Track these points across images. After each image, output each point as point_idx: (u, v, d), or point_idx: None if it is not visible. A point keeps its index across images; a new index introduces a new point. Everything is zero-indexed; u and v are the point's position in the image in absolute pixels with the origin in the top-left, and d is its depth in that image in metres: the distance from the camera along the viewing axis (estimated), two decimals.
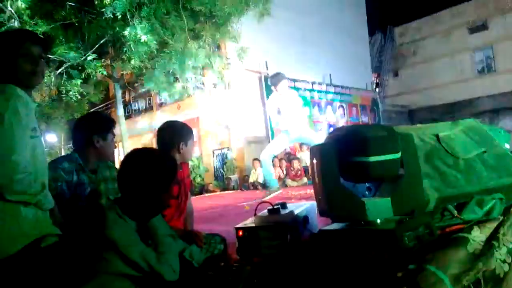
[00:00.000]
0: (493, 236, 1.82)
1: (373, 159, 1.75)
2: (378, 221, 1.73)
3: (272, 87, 5.33)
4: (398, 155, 1.83)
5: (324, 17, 14.26)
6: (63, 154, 14.24)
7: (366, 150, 1.75)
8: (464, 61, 17.84)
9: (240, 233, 1.81)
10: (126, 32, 6.04)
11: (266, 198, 5.01)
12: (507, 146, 2.93)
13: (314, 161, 1.89)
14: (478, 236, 1.78)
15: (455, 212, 2.05)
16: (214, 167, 12.92)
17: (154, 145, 2.32)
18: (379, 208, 1.77)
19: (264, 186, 10.01)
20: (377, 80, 18.53)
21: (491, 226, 1.95)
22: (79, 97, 7.69)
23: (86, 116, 2.23)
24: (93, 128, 2.04)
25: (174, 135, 2.19)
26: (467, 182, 2.10)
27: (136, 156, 1.53)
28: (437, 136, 2.30)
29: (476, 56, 17.74)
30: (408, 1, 19.12)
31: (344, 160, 1.77)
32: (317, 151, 1.85)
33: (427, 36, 18.77)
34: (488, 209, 2.08)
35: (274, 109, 5.35)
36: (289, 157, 11.16)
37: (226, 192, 10.46)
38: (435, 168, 2.12)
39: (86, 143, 2.02)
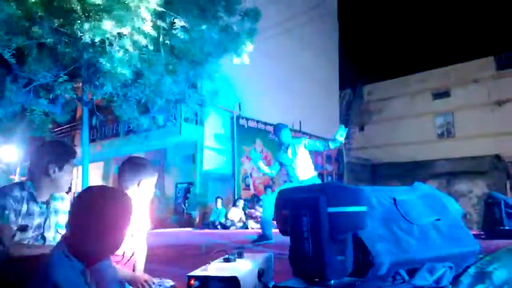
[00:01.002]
0: None
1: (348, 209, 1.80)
2: (332, 282, 1.73)
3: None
4: (364, 208, 1.88)
5: (299, 66, 14.81)
6: (18, 171, 13.57)
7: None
8: (426, 123, 18.80)
9: (192, 281, 1.76)
10: (102, 60, 6.00)
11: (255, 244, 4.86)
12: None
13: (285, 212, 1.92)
14: None
15: (407, 277, 2.08)
16: (175, 201, 12.66)
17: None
18: (336, 267, 1.78)
19: (225, 226, 9.90)
20: None
21: None
22: (43, 116, 7.47)
23: (46, 143, 2.14)
24: (50, 157, 1.95)
25: (136, 172, 2.15)
26: (420, 249, 2.16)
27: (90, 193, 1.47)
28: (394, 199, 2.37)
29: (437, 120, 18.77)
30: (378, 64, 20.26)
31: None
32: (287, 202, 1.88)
33: (393, 96, 19.77)
34: (438, 277, 2.13)
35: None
36: (253, 199, 11.15)
37: (185, 229, 10.20)
38: (390, 231, 2.17)
39: (41, 172, 1.94)
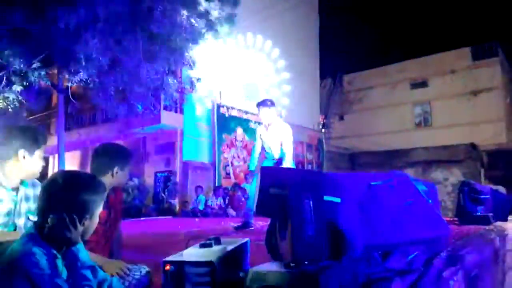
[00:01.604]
0: (414, 286, 1.92)
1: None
2: (306, 263, 1.75)
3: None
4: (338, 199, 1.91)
5: (280, 56, 14.76)
6: None
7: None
8: (404, 113, 19.12)
9: (167, 267, 1.75)
10: (77, 46, 5.86)
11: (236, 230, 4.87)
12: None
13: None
14: (399, 286, 1.86)
15: (380, 260, 2.12)
16: (154, 190, 12.56)
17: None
18: (310, 250, 1.81)
19: (205, 214, 9.90)
20: (324, 122, 19.30)
21: (412, 277, 2.05)
22: (17, 104, 7.27)
23: (15, 127, 2.06)
24: (20, 142, 1.89)
25: (109, 159, 2.10)
26: (393, 232, 2.20)
27: (59, 177, 1.44)
28: (369, 184, 2.41)
29: (415, 109, 19.11)
30: (358, 53, 20.43)
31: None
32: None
33: (373, 86, 20.00)
34: (410, 259, 2.19)
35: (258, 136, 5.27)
36: (234, 187, 11.15)
37: (165, 217, 10.15)
38: (364, 215, 2.20)
39: (9, 157, 1.88)
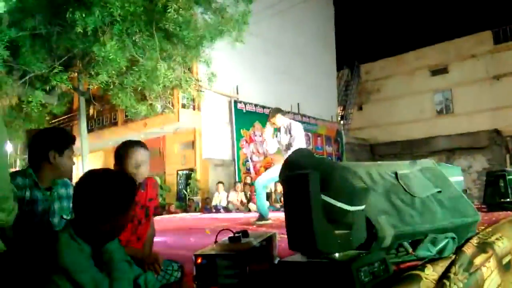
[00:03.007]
0: (445, 274, 1.89)
1: None
2: (337, 255, 1.75)
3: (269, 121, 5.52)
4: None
5: (295, 48, 14.69)
6: (18, 164, 13.60)
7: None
8: (424, 101, 18.76)
9: (199, 260, 1.77)
10: (95, 48, 5.95)
11: (255, 224, 4.99)
12: (459, 178, 3.07)
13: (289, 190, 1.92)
14: (431, 274, 1.84)
15: (410, 249, 2.10)
16: (177, 187, 12.72)
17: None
18: (339, 241, 1.80)
19: (227, 209, 9.98)
20: (342, 113, 19.12)
21: (443, 265, 2.02)
22: (40, 108, 7.44)
23: (43, 130, 2.12)
24: (49, 143, 1.94)
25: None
26: (422, 221, 2.17)
27: (92, 176, 1.47)
28: (396, 173, 2.38)
29: (436, 97, 18.72)
30: (375, 42, 20.07)
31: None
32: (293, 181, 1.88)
33: (391, 75, 19.67)
34: (441, 248, 2.15)
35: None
36: (253, 183, 11.18)
37: (188, 214, 10.27)
38: (392, 205, 2.18)
39: (42, 159, 1.93)
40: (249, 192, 10.58)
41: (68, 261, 1.29)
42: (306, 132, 14.87)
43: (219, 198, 10.51)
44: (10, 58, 6.40)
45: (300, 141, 5.21)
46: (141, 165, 2.15)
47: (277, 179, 5.92)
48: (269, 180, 5.57)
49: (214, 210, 10.10)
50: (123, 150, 2.18)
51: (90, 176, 1.48)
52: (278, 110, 5.56)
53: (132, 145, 2.21)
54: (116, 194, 1.42)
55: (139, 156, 2.15)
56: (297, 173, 1.84)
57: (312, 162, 1.99)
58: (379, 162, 2.74)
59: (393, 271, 1.84)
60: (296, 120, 14.22)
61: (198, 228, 5.19)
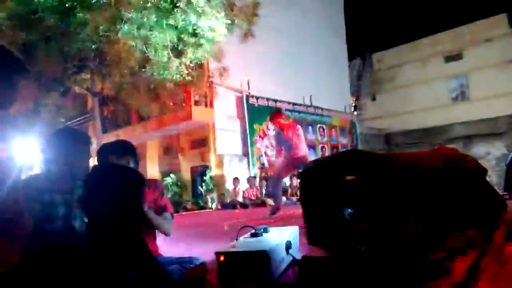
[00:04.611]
0: (474, 266, 1.84)
1: None
2: (361, 249, 1.70)
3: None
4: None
5: (306, 40, 14.55)
6: (36, 166, 13.82)
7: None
8: (439, 88, 18.42)
9: (221, 258, 1.75)
10: (106, 48, 5.98)
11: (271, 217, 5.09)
12: None
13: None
14: (460, 266, 1.79)
15: (437, 240, 2.05)
16: (192, 184, 12.77)
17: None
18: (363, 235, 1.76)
19: (244, 205, 9.98)
20: (355, 103, 18.91)
21: (472, 256, 1.96)
22: (56, 110, 7.53)
23: (59, 131, 2.11)
24: (67, 145, 1.95)
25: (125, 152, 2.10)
26: (449, 211, 2.11)
27: (101, 171, 1.45)
28: (414, 163, 2.32)
29: (451, 84, 18.37)
30: (387, 29, 19.73)
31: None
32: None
33: (404, 63, 19.35)
34: (469, 238, 2.09)
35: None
36: (268, 177, 11.16)
37: (204, 210, 10.32)
38: (416, 195, 2.13)
39: (59, 161, 1.93)
40: (264, 187, 10.56)
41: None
42: (320, 124, 14.79)
43: (235, 194, 10.52)
44: (25, 62, 6.46)
45: (302, 142, 5.50)
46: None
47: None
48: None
49: (230, 206, 10.11)
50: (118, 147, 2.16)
51: (99, 170, 1.44)
52: (279, 112, 5.83)
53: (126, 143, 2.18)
54: (126, 188, 1.37)
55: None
56: (319, 166, 1.80)
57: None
58: (397, 152, 2.68)
59: (422, 263, 1.80)
60: (309, 112, 14.30)
61: (216, 225, 5.19)
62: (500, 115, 15.78)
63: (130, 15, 5.99)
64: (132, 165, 2.09)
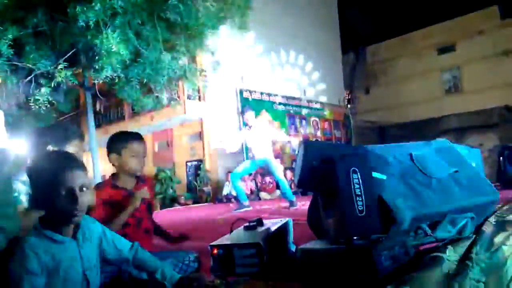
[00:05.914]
0: (466, 255, 1.85)
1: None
2: (356, 240, 1.71)
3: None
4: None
5: (298, 33, 14.49)
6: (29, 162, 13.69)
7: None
8: (432, 80, 18.49)
9: (215, 251, 1.76)
10: (98, 41, 5.90)
11: (235, 213, 5.21)
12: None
13: None
14: (452, 255, 1.80)
15: (429, 231, 2.06)
16: (187, 179, 12.74)
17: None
18: (360, 226, 1.77)
19: (238, 199, 9.97)
20: (349, 97, 18.93)
21: (464, 245, 1.97)
22: (48, 105, 7.43)
23: (45, 127, 2.09)
24: (48, 138, 1.92)
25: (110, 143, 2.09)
26: (440, 201, 2.13)
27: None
28: (410, 155, 2.33)
29: (444, 76, 18.44)
30: (380, 22, 19.69)
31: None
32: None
33: (398, 56, 19.37)
34: (460, 228, 2.11)
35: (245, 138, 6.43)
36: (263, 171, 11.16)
37: (199, 205, 10.31)
38: (409, 186, 2.14)
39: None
40: (259, 181, 10.57)
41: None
42: (314, 117, 14.79)
43: (229, 188, 10.51)
44: (14, 57, 6.38)
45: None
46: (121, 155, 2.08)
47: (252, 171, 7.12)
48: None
49: (225, 200, 10.11)
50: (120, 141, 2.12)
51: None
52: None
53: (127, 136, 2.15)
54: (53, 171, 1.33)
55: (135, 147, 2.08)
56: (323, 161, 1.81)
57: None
58: (393, 144, 2.69)
59: (413, 254, 1.81)
60: (303, 106, 14.46)
61: (210, 219, 5.19)
62: (493, 107, 15.87)
63: (121, 7, 5.91)
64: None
